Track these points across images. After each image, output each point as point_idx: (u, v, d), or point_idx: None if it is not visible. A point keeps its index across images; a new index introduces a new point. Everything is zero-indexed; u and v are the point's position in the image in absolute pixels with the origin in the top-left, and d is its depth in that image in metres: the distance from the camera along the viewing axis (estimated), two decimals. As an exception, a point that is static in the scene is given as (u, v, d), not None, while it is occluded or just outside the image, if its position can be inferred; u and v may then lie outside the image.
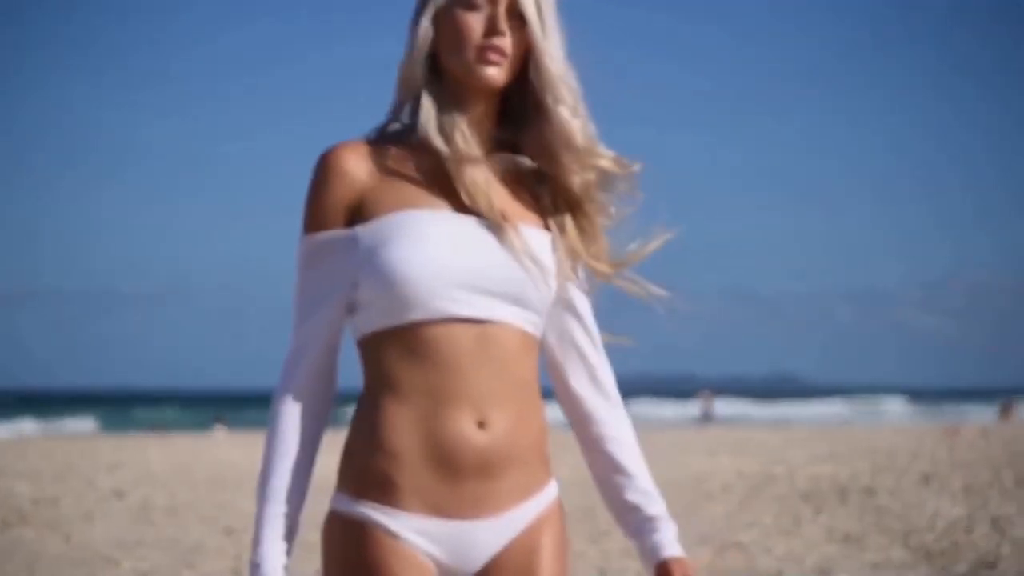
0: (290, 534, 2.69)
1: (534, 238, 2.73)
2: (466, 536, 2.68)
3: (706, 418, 54.69)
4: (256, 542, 2.67)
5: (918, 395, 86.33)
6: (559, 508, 2.83)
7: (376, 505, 2.66)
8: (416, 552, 2.66)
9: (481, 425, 2.66)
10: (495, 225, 2.69)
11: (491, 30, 2.68)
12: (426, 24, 2.73)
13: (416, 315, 2.63)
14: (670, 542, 2.86)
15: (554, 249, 2.76)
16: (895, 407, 76.91)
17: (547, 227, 2.79)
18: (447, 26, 2.71)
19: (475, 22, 2.68)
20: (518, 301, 2.70)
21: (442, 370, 2.64)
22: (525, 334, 2.73)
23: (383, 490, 2.65)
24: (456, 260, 2.65)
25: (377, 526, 2.65)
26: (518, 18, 2.70)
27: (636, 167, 2.81)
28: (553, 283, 2.75)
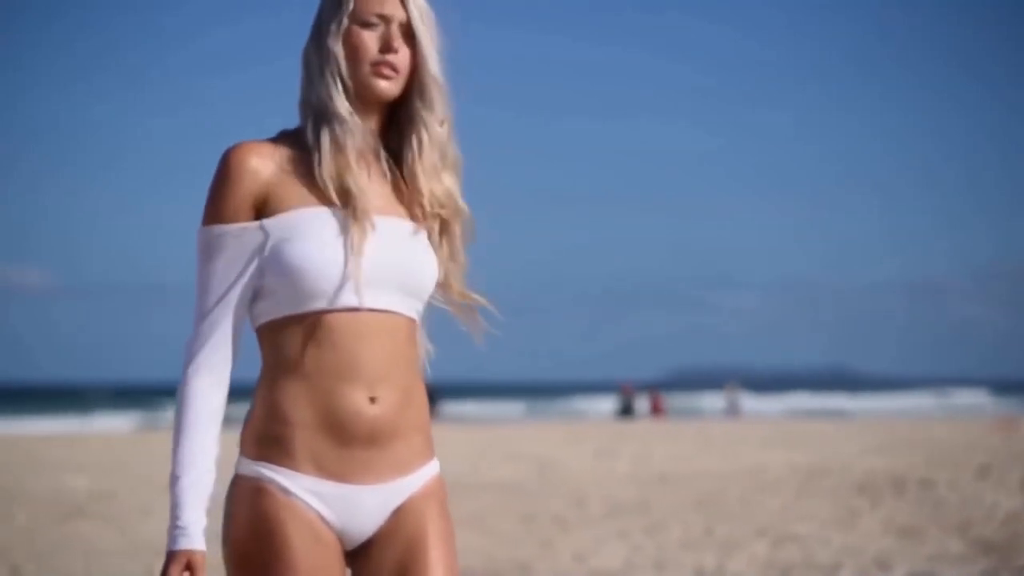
0: (205, 499, 2.88)
1: (418, 234, 3.00)
2: (353, 499, 2.90)
3: (732, 410, 54.45)
4: (177, 509, 2.85)
5: (996, 387, 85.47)
6: (441, 484, 3.04)
7: (272, 466, 2.89)
8: (307, 508, 2.88)
9: (373, 400, 2.90)
10: (388, 222, 2.94)
11: (385, 47, 2.94)
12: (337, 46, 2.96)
13: (318, 305, 2.87)
14: None
15: (433, 244, 3.03)
16: (975, 399, 76.29)
17: (427, 227, 3.05)
18: (345, 38, 2.95)
19: (370, 40, 2.94)
20: (408, 291, 2.95)
21: (340, 353, 2.88)
22: (411, 320, 2.99)
23: (279, 453, 2.89)
24: (360, 254, 2.87)
25: (272, 483, 2.88)
26: (409, 37, 2.96)
27: (465, 208, 3.07)
28: (435, 274, 3.01)
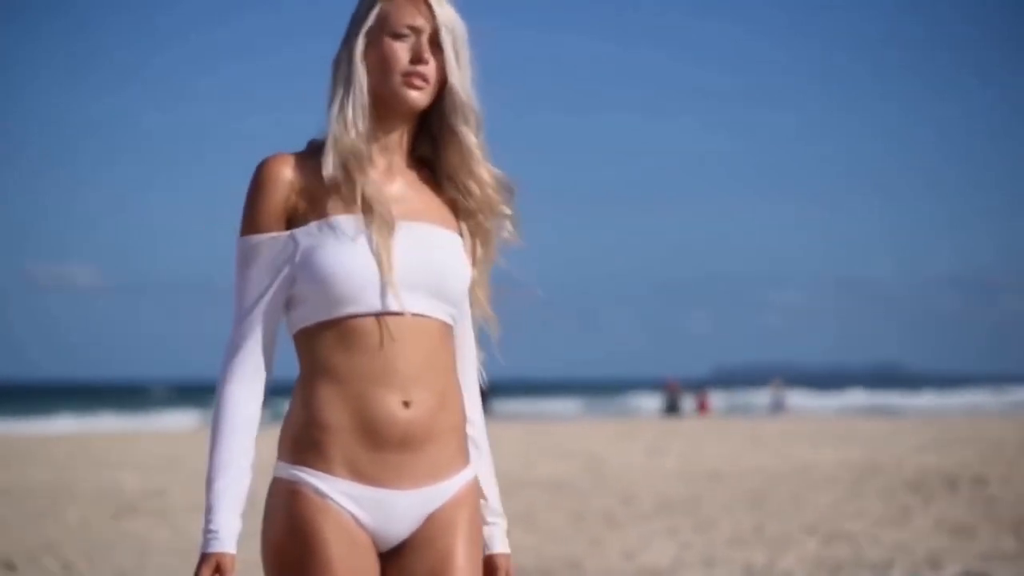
0: (240, 503, 2.95)
1: (449, 239, 3.05)
2: (388, 502, 2.96)
3: (776, 407, 54.21)
4: (210, 512, 2.93)
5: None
6: (475, 491, 3.09)
7: (308, 469, 2.94)
8: (341, 511, 2.94)
9: (406, 404, 2.95)
10: (416, 228, 3.00)
11: (416, 58, 3.00)
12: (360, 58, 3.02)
13: (349, 309, 2.94)
14: (500, 538, 3.20)
15: (466, 250, 3.08)
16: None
17: (460, 231, 3.10)
18: (376, 53, 3.01)
19: (401, 51, 3.00)
20: (438, 295, 3.00)
21: (372, 356, 2.94)
22: (444, 324, 3.03)
23: (315, 456, 2.94)
24: (386, 259, 2.94)
25: (308, 486, 2.94)
26: (438, 47, 3.02)
27: (509, 212, 3.12)
28: (467, 279, 3.06)
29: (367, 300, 2.93)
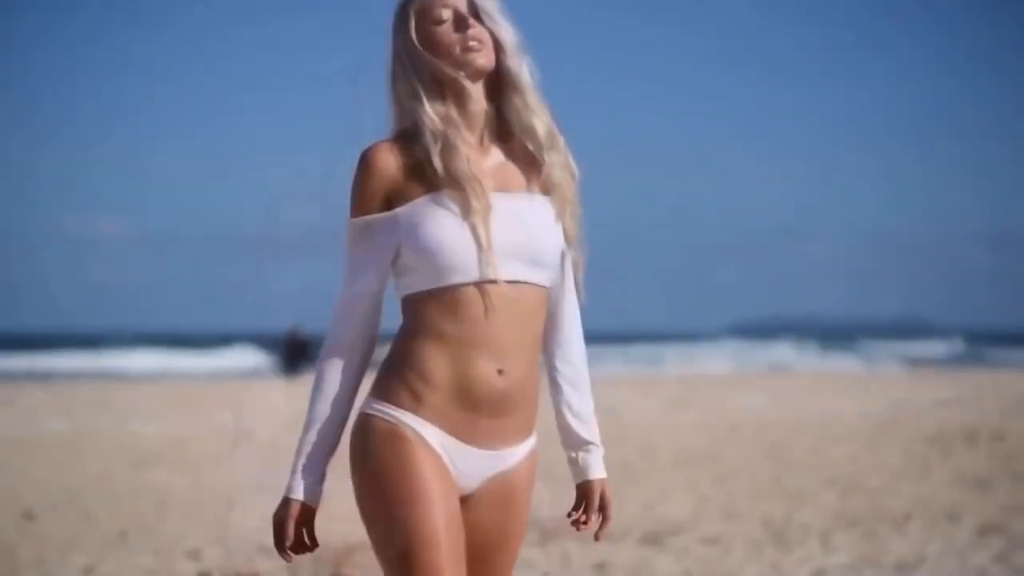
0: (324, 458, 3.24)
1: (541, 204, 3.28)
2: (471, 458, 3.24)
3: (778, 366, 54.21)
4: (297, 461, 3.22)
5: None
6: (535, 456, 3.41)
7: (406, 412, 3.20)
8: (435, 448, 3.20)
9: (500, 372, 3.21)
10: (506, 197, 3.23)
11: (460, 27, 3.25)
12: (417, 52, 3.27)
13: (453, 279, 3.18)
14: (596, 464, 3.64)
15: (558, 213, 3.29)
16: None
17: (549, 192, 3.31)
18: (429, 45, 3.26)
19: (446, 29, 3.25)
20: (533, 260, 3.24)
21: (472, 324, 3.18)
22: (539, 289, 3.27)
23: (413, 402, 3.19)
24: (483, 230, 3.17)
25: (407, 426, 3.19)
26: (476, 16, 3.26)
27: (552, 160, 3.30)
28: (559, 241, 3.28)
29: (468, 270, 3.17)
